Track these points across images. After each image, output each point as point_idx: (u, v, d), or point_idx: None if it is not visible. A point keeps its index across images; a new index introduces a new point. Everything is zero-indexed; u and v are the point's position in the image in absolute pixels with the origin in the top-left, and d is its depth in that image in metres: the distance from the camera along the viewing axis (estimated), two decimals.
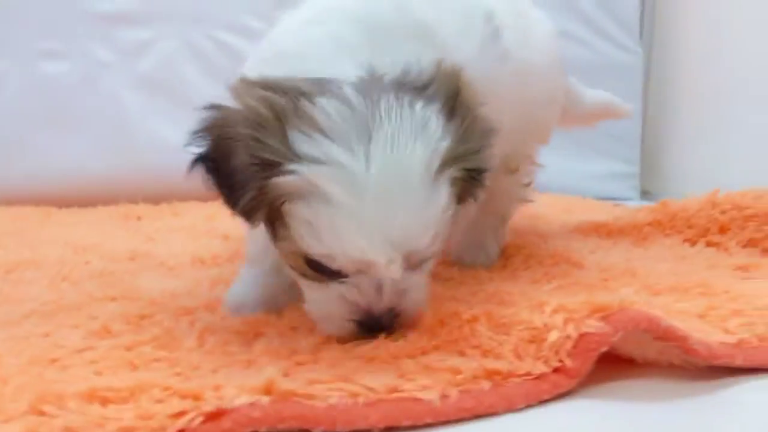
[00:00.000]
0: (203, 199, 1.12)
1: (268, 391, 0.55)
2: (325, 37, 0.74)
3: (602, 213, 1.44)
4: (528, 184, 1.17)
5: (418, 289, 0.71)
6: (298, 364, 0.64)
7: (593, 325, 0.64)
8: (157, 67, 1.59)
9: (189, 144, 0.68)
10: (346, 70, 0.69)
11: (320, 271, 0.68)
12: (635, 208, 1.33)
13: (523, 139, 1.05)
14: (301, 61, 0.72)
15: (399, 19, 0.77)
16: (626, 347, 0.67)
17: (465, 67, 0.73)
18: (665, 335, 0.64)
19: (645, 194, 2.06)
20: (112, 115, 1.55)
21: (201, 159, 0.68)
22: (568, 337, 0.64)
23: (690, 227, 1.17)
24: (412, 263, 0.68)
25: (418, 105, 0.67)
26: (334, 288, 0.68)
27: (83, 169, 1.52)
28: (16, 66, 1.50)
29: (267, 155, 0.64)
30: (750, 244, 1.11)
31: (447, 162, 0.67)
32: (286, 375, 0.60)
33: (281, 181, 0.64)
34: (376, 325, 0.68)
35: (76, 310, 0.79)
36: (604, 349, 0.63)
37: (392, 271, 0.66)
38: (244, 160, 0.65)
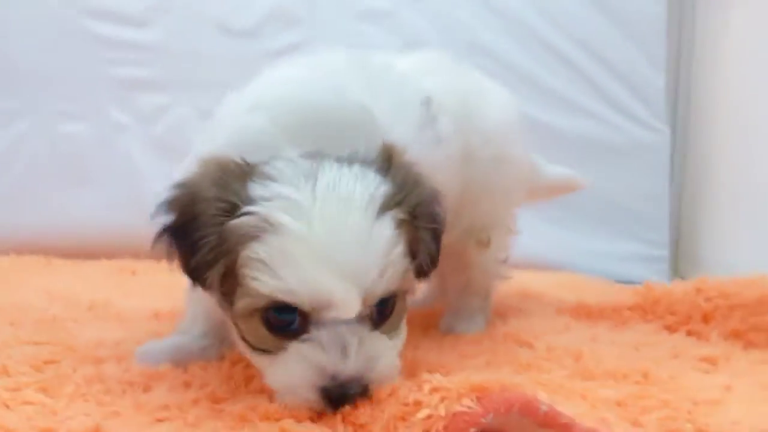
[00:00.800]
0: None
1: None
2: (271, 124, 0.76)
3: (603, 294, 1.37)
4: (504, 260, 1.15)
5: (388, 358, 0.68)
6: (158, 420, 0.62)
7: (465, 404, 0.60)
8: (170, 131, 1.65)
9: (155, 215, 0.71)
10: (292, 156, 0.72)
11: (279, 331, 0.67)
12: (624, 289, 1.25)
13: (482, 211, 1.04)
14: (252, 148, 0.72)
15: (340, 109, 0.79)
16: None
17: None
18: (545, 421, 0.59)
19: (678, 279, 1.97)
20: (125, 175, 1.62)
21: (167, 229, 0.70)
22: (439, 416, 0.60)
23: (672, 314, 1.10)
24: (369, 301, 0.66)
25: (356, 165, 0.71)
26: (296, 351, 0.66)
27: (93, 224, 1.58)
28: (37, 125, 1.59)
29: (232, 198, 0.67)
30: (732, 335, 1.03)
31: (388, 204, 0.69)
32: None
33: (238, 223, 0.66)
34: (342, 393, 0.65)
35: None
36: (474, 430, 0.59)
37: (349, 305, 0.65)
38: (211, 205, 0.67)
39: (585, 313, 1.16)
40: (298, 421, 0.64)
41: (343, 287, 0.64)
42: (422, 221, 0.73)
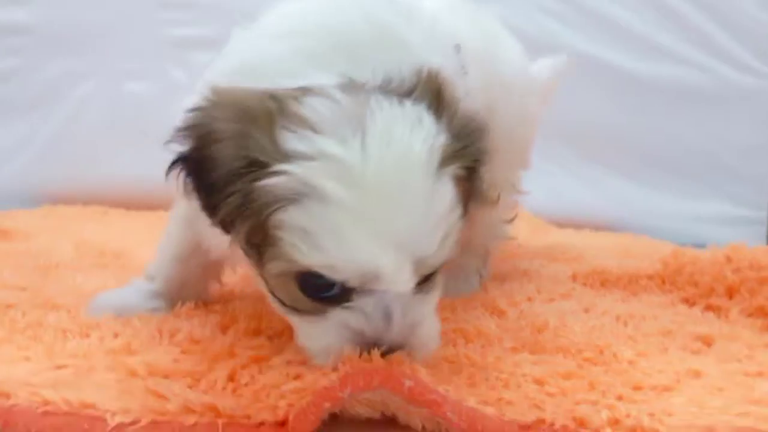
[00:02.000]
0: None
1: None
2: (293, 51, 0.68)
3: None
4: (510, 220, 1.09)
5: (430, 323, 0.64)
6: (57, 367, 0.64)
7: (326, 378, 0.57)
8: None
9: (169, 142, 0.64)
10: (322, 82, 0.63)
11: (317, 296, 0.61)
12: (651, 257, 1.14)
13: (495, 167, 0.97)
14: (270, 75, 0.65)
15: (371, 31, 0.71)
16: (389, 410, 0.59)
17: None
18: (411, 396, 0.55)
19: None
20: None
21: (181, 159, 0.63)
22: (304, 389, 0.58)
23: (693, 285, 0.99)
24: (421, 272, 0.61)
25: (408, 103, 0.62)
26: (336, 317, 0.61)
27: (152, 178, 1.65)
28: (103, 85, 1.68)
29: (256, 154, 0.59)
30: (756, 312, 0.91)
31: (446, 159, 0.61)
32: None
33: (270, 183, 0.58)
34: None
35: None
36: (329, 405, 0.56)
37: (402, 281, 0.59)
38: (230, 159, 0.60)
39: (600, 279, 1.07)
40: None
41: (397, 262, 0.58)
42: (475, 171, 0.66)
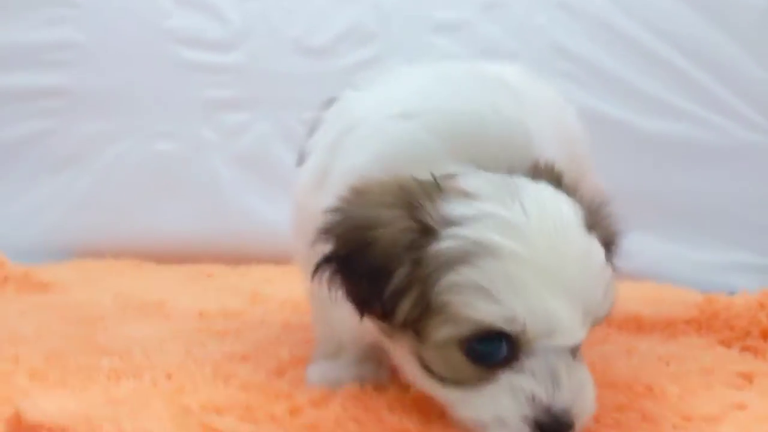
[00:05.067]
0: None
1: None
2: (425, 136, 0.69)
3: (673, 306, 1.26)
4: None
5: (590, 387, 0.63)
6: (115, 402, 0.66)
7: None
8: (252, 147, 1.74)
9: (314, 244, 0.65)
10: (458, 169, 0.66)
11: (482, 360, 0.61)
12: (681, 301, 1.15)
13: None
14: (405, 164, 0.67)
15: (497, 121, 0.71)
16: None
17: None
18: None
19: None
20: (211, 187, 1.73)
21: (331, 258, 0.64)
22: None
23: (730, 328, 1.01)
24: (588, 325, 0.61)
25: (544, 182, 0.66)
26: (507, 381, 0.60)
27: (182, 232, 1.69)
28: (136, 145, 1.73)
29: (424, 218, 0.61)
30: None
31: (588, 227, 0.63)
32: None
33: (441, 247, 0.60)
34: (555, 427, 0.59)
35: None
36: None
37: (576, 330, 0.60)
38: (394, 236, 0.61)
39: (635, 325, 1.08)
40: None
41: (571, 311, 0.59)
42: (611, 243, 0.68)
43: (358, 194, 0.65)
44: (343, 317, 0.75)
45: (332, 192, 0.67)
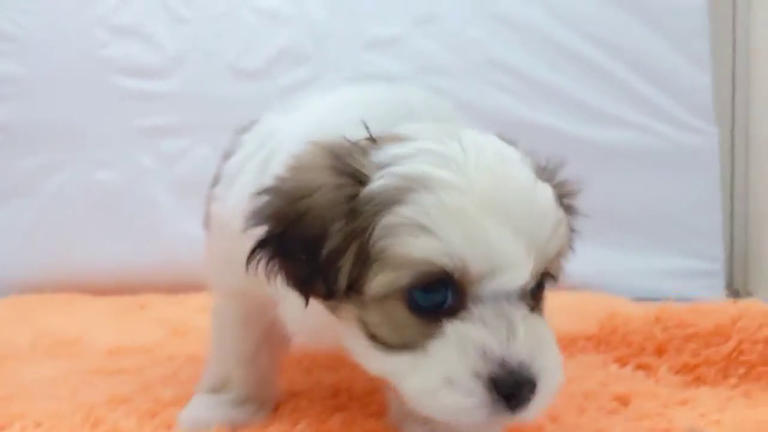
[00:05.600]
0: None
1: None
2: (359, 118, 0.65)
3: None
4: None
5: (554, 345, 0.58)
6: None
7: None
8: (191, 172, 1.74)
9: (247, 228, 0.61)
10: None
11: (426, 311, 0.56)
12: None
13: None
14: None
15: (427, 105, 0.76)
16: None
17: None
18: None
19: (734, 294, 1.79)
20: (150, 214, 1.73)
21: (266, 241, 0.60)
22: None
23: (627, 344, 1.01)
24: (538, 267, 0.57)
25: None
26: (454, 332, 0.55)
27: (121, 263, 1.70)
28: (76, 175, 1.74)
29: (355, 168, 0.58)
30: (683, 369, 0.93)
31: (539, 175, 0.61)
32: None
33: (372, 190, 0.57)
34: (513, 385, 0.54)
35: None
36: None
37: (525, 267, 0.55)
38: (327, 195, 0.58)
39: None
40: None
41: (516, 244, 0.54)
42: (567, 202, 0.65)
43: (289, 170, 0.62)
44: (240, 338, 0.80)
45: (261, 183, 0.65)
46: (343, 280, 0.58)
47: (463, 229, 0.54)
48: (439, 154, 0.57)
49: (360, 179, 0.58)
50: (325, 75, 1.78)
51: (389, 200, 0.56)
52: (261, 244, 0.61)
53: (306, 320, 0.66)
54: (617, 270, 1.75)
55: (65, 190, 1.74)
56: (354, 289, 0.58)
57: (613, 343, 1.02)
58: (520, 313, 0.56)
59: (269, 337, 0.82)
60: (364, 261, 0.57)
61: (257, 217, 0.61)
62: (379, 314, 0.58)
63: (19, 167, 1.73)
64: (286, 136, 0.73)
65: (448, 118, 0.77)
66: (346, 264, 0.57)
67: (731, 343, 0.91)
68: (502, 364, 0.53)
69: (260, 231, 0.61)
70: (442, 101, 0.82)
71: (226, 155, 0.84)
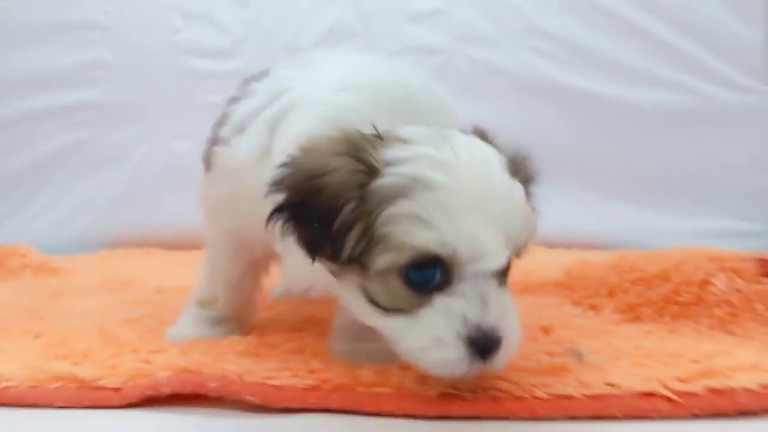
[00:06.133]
0: None
1: None
2: (363, 105, 0.79)
3: None
4: None
5: (516, 314, 0.71)
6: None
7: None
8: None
9: (268, 195, 0.72)
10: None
11: (419, 286, 0.69)
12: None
13: None
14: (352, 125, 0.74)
15: (427, 91, 0.84)
16: None
17: None
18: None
19: None
20: None
21: (284, 207, 0.71)
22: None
23: (585, 288, 1.08)
24: (510, 252, 0.70)
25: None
26: (441, 304, 0.68)
27: (193, 222, 1.93)
28: (157, 146, 1.99)
29: (368, 160, 0.69)
30: (626, 309, 0.99)
31: (510, 172, 0.72)
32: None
33: (382, 183, 0.68)
34: (486, 343, 0.67)
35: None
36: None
37: (500, 254, 0.68)
38: (343, 177, 0.69)
39: (521, 286, 1.16)
40: None
41: (496, 237, 0.68)
42: (531, 191, 0.77)
43: (306, 150, 0.73)
44: (229, 267, 0.94)
45: (275, 164, 0.74)
46: (347, 251, 0.70)
47: (455, 223, 0.67)
48: (434, 159, 0.68)
49: (371, 171, 0.70)
50: (371, 48, 1.91)
51: (395, 194, 0.68)
52: (280, 209, 0.72)
53: (306, 273, 0.77)
54: (660, 232, 1.76)
55: (148, 160, 2.00)
56: (357, 260, 0.70)
57: (574, 287, 1.09)
58: (491, 289, 0.69)
59: (254, 268, 0.97)
60: (369, 240, 0.69)
61: (276, 186, 0.72)
62: (379, 285, 0.71)
63: (109, 141, 2.00)
64: (299, 99, 0.82)
65: (443, 107, 0.85)
66: (351, 238, 0.69)
67: (670, 285, 0.95)
68: (478, 328, 0.67)
69: (279, 197, 0.72)
70: (437, 87, 0.88)
71: (233, 99, 0.93)
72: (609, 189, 1.80)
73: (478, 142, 0.74)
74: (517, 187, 0.71)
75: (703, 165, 1.76)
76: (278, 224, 0.72)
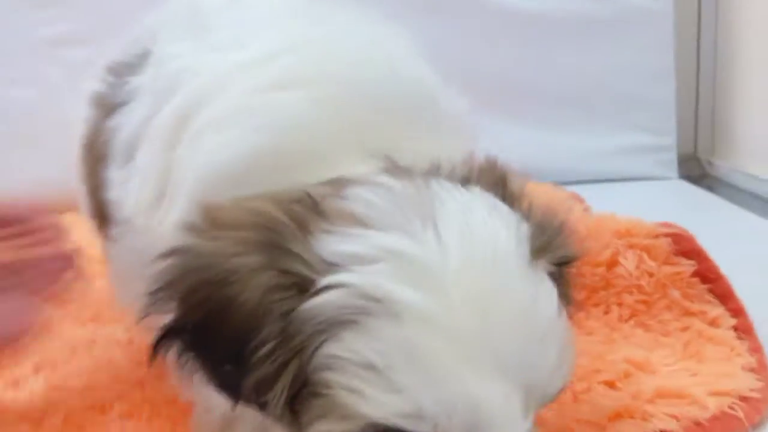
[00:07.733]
0: None
1: None
2: (315, 116, 0.51)
3: None
4: None
5: None
6: None
7: None
8: None
9: (147, 312, 0.47)
10: (357, 169, 0.48)
11: None
12: None
13: None
14: (292, 162, 0.50)
15: (398, 83, 0.56)
16: None
17: None
18: None
19: (697, 164, 1.75)
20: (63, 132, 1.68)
21: (177, 331, 0.46)
22: None
23: None
24: (533, 408, 0.44)
25: (474, 189, 0.48)
26: None
27: (44, 183, 1.68)
28: None
29: (294, 266, 0.43)
30: None
31: (536, 252, 0.46)
32: None
33: (316, 304, 0.42)
34: None
35: None
36: None
37: (516, 422, 0.42)
38: (255, 293, 0.43)
39: None
40: None
41: (507, 398, 0.41)
42: (565, 268, 0.51)
43: (211, 223, 0.47)
44: None
45: (181, 207, 0.50)
46: (278, 405, 0.44)
47: (434, 381, 0.40)
48: (407, 260, 0.41)
49: (301, 284, 0.43)
50: None
51: (337, 321, 0.41)
52: (171, 331, 0.46)
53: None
54: (567, 152, 1.67)
55: None
56: (290, 410, 0.45)
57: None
58: None
59: None
60: (302, 386, 0.43)
61: (164, 291, 0.46)
62: None
63: None
64: (206, 91, 0.54)
65: (443, 117, 0.58)
66: (278, 388, 0.44)
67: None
68: None
69: (167, 307, 0.46)
70: (423, 64, 0.62)
71: (109, 108, 0.65)
72: (511, 110, 1.68)
73: (482, 210, 0.46)
74: (546, 292, 0.45)
75: (601, 77, 1.67)
76: (174, 353, 0.46)
